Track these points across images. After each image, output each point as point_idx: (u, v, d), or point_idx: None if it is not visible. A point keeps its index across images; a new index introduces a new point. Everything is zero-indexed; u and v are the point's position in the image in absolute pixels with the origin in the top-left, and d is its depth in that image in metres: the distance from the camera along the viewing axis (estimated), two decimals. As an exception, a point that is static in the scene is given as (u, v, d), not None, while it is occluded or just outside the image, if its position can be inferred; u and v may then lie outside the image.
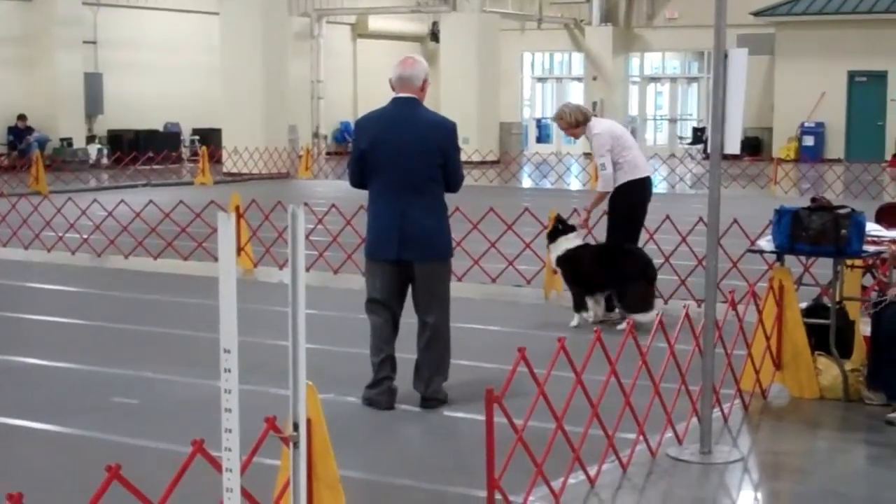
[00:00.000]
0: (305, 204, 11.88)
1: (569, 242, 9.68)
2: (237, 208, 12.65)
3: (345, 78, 39.52)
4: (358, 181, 7.02)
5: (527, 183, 28.75)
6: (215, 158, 29.09)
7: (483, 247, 12.39)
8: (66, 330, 9.73)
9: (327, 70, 38.38)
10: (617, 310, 9.59)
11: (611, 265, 9.43)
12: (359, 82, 39.66)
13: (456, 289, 11.37)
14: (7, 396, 7.32)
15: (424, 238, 6.84)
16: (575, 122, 9.87)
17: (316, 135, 37.90)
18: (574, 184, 27.71)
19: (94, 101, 32.39)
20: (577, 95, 41.94)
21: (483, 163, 30.71)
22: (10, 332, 9.58)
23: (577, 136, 10.07)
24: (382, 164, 6.83)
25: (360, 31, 39.80)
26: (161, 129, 34.26)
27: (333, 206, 13.97)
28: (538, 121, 42.81)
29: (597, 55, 39.89)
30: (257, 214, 13.84)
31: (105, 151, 31.92)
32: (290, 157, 29.95)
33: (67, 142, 31.18)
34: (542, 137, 42.47)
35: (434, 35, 39.14)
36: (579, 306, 9.56)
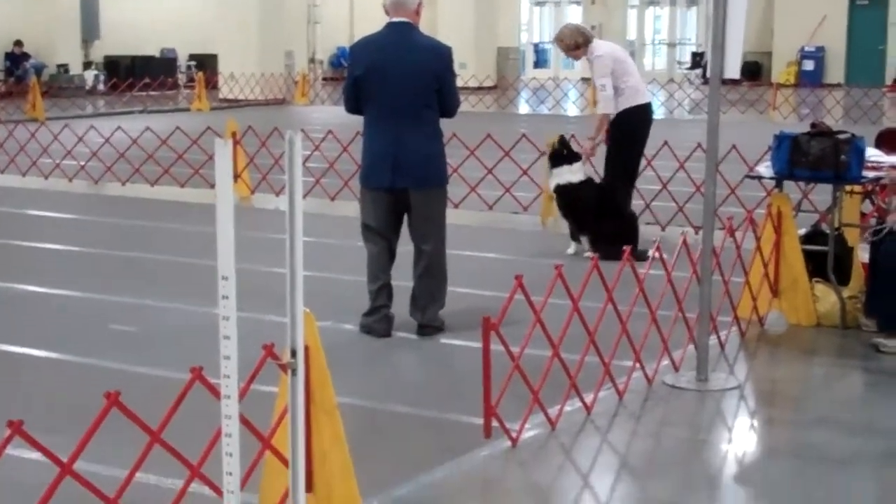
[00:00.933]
0: (302, 130, 11.85)
1: (572, 175, 9.47)
2: (233, 135, 12.58)
3: (341, 1, 39.16)
4: (353, 107, 6.95)
5: (524, 109, 28.60)
6: (211, 84, 28.93)
7: (480, 173, 12.34)
8: (63, 257, 9.70)
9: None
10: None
11: (599, 216, 9.27)
12: (356, 6, 39.30)
13: (453, 216, 11.37)
14: (4, 323, 7.32)
15: (419, 165, 6.79)
16: (574, 43, 9.70)
17: (312, 60, 37.65)
18: (571, 109, 27.57)
19: (90, 27, 32.15)
20: (575, 19, 41.63)
21: (480, 88, 30.56)
22: (7, 260, 9.56)
23: (577, 58, 9.89)
24: (377, 91, 6.77)
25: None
26: (157, 54, 34.06)
27: (330, 132, 13.89)
28: (536, 45, 42.54)
29: (595, -21, 39.54)
30: (254, 141, 13.77)
31: (102, 77, 31.78)
32: (286, 82, 29.80)
33: (64, 68, 31.01)
34: (540, 62, 42.24)
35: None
36: (575, 235, 9.53)
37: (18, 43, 30.54)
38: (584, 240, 9.36)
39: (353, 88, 6.88)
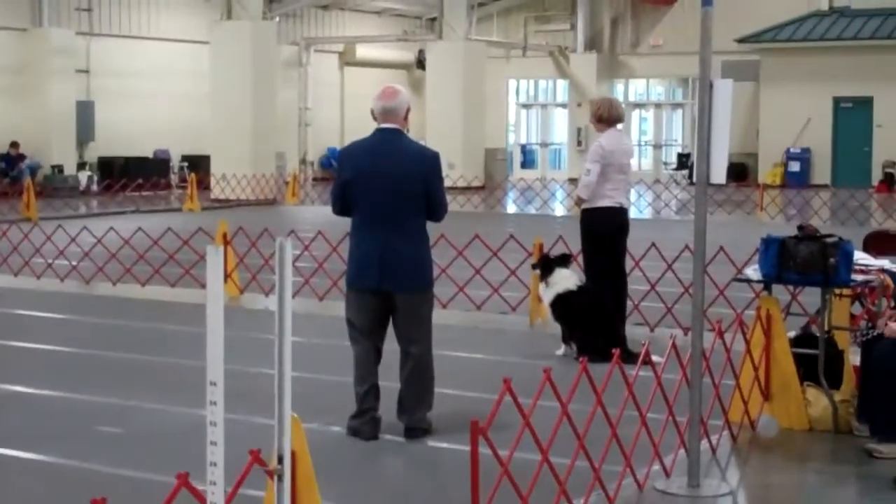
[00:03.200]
0: (292, 232, 11.85)
1: (566, 282, 9.41)
2: (224, 235, 12.56)
3: (332, 105, 39.57)
4: (341, 209, 7.02)
5: (512, 209, 28.73)
6: (204, 185, 29.04)
7: (468, 273, 12.32)
8: (52, 357, 9.61)
9: (315, 97, 38.43)
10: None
11: (590, 325, 9.20)
12: (346, 109, 39.70)
13: (441, 316, 11.30)
14: (-9, 426, 7.21)
15: (405, 268, 6.80)
16: (598, 116, 9.66)
17: (303, 161, 37.90)
18: (559, 209, 27.69)
19: (85, 129, 32.36)
20: (561, 122, 42.07)
21: (468, 188, 30.72)
22: (-4, 360, 9.47)
23: (598, 130, 9.75)
24: (365, 194, 6.84)
25: (348, 59, 39.85)
26: (151, 155, 34.22)
27: (320, 232, 13.88)
28: (523, 146, 42.88)
29: (581, 82, 39.99)
30: (244, 241, 13.75)
31: (95, 178, 31.90)
32: (277, 183, 29.93)
33: (58, 169, 31.14)
34: (528, 163, 42.53)
35: (420, 63, 39.18)
36: (567, 338, 9.42)
37: (15, 144, 30.71)
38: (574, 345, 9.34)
39: (341, 192, 6.95)
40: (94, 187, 31.38)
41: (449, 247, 12.33)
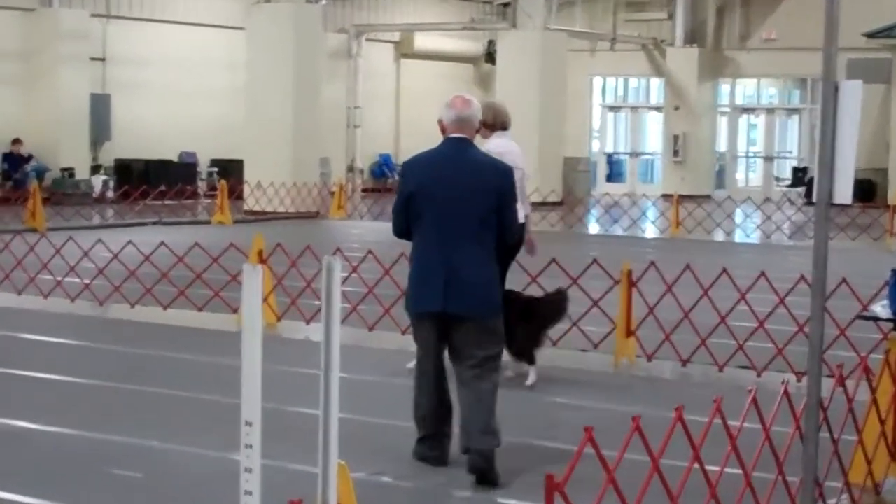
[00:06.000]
0: (338, 250, 11.95)
1: None
2: (259, 253, 12.69)
3: (386, 104, 39.78)
4: (403, 229, 7.42)
5: (594, 229, 28.69)
6: (236, 194, 29.25)
7: (544, 303, 12.32)
8: (61, 389, 9.76)
9: (366, 94, 38.63)
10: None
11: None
12: (402, 109, 39.91)
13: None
14: (-9, 466, 7.35)
15: (473, 291, 7.17)
16: (483, 121, 9.85)
17: (351, 169, 38.09)
18: (650, 230, 27.61)
19: (100, 126, 32.66)
20: (655, 128, 41.94)
21: (544, 204, 30.70)
22: (-4, 391, 9.65)
23: (483, 137, 10.27)
24: (430, 210, 7.21)
25: (405, 50, 40.08)
26: (175, 159, 34.51)
27: (370, 252, 13.98)
28: (609, 156, 42.82)
29: (679, 81, 39.89)
30: (283, 260, 13.87)
31: (111, 184, 32.16)
32: (320, 193, 30.09)
33: (69, 172, 31.45)
34: (614, 175, 42.47)
35: (490, 56, 39.33)
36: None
37: (17, 141, 31.02)
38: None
39: (404, 208, 7.34)
40: (110, 194, 31.70)
41: (520, 270, 12.35)
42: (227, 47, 34.29)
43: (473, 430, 7.12)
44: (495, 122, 10.47)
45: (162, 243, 14.98)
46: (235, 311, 12.66)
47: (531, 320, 9.88)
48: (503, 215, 7.29)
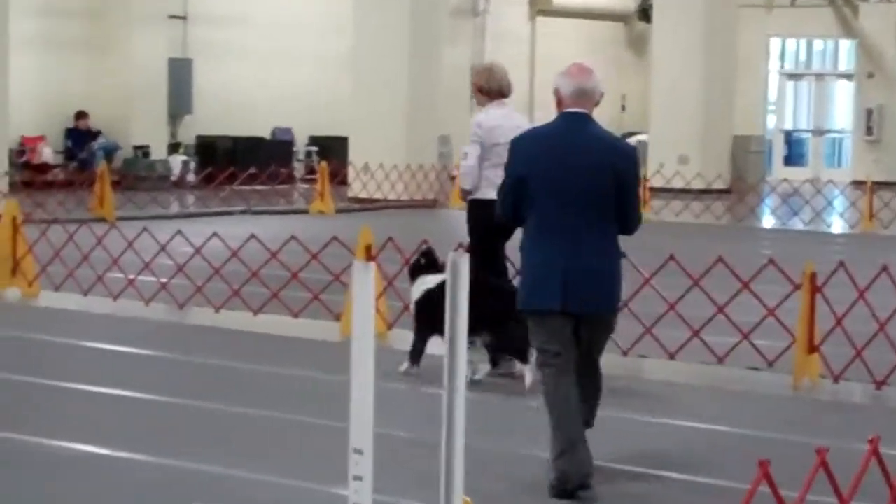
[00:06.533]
0: (461, 245, 11.94)
1: (429, 283, 10.71)
2: (368, 249, 12.74)
3: (519, 70, 39.68)
4: (511, 213, 7.77)
5: (770, 222, 28.39)
6: (339, 178, 29.41)
7: (706, 312, 12.25)
8: (132, 408, 9.92)
9: (496, 59, 38.61)
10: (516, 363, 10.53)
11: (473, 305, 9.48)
12: (537, 76, 39.84)
13: (667, 369, 11.29)
14: (54, 496, 7.48)
15: (595, 285, 7.56)
16: (477, 87, 11.28)
17: (477, 148, 38.14)
18: (837, 224, 27.26)
19: (180, 97, 32.96)
20: (844, 100, 41.36)
21: (707, 191, 30.47)
22: (59, 410, 9.82)
23: (479, 104, 11.40)
24: (547, 194, 7.54)
25: (542, 6, 40.05)
26: (267, 136, 34.77)
27: (500, 248, 13.98)
28: (788, 134, 42.35)
29: (875, 43, 39.30)
30: (394, 256, 13.92)
31: (192, 165, 32.49)
32: (439, 178, 30.13)
33: (143, 151, 31.81)
34: (794, 158, 42.01)
35: (644, 13, 39.16)
36: (417, 354, 10.68)
37: (82, 115, 31.41)
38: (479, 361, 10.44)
39: (514, 191, 7.67)
40: (191, 177, 32.03)
41: (680, 273, 12.29)
42: (330, 5, 34.48)
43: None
44: (491, 88, 11.18)
45: (252, 236, 15.10)
46: (338, 317, 12.76)
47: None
48: (625, 201, 7.58)
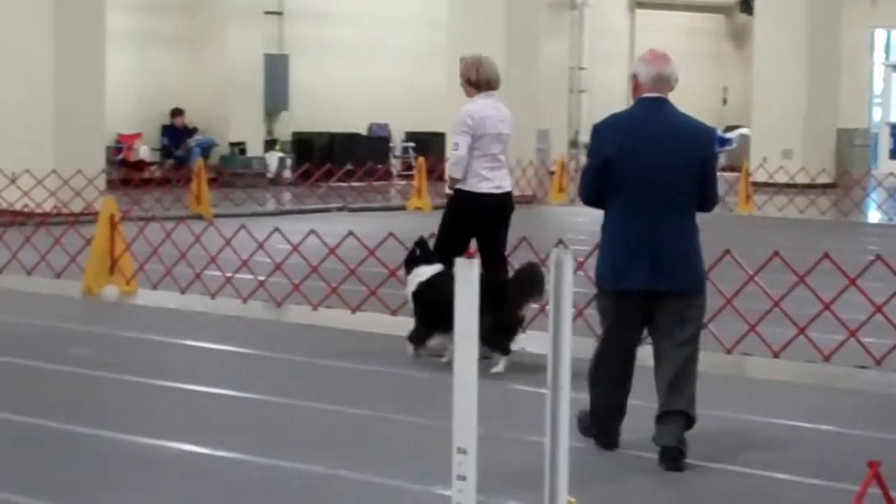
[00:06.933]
0: (560, 242, 11.94)
1: (424, 275, 11.31)
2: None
3: (617, 64, 39.62)
4: (595, 198, 8.21)
5: (876, 217, 28.10)
6: (436, 174, 29.47)
7: (811, 309, 12.15)
8: (232, 407, 10.00)
9: (593, 53, 38.60)
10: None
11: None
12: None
13: (772, 367, 11.23)
14: (152, 494, 7.56)
15: (681, 264, 7.98)
16: (466, 78, 11.87)
17: (574, 143, 38.07)
18: (947, 220, 26.94)
19: (276, 93, 33.14)
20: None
21: (812, 186, 30.23)
22: (157, 408, 9.94)
23: (468, 96, 11.86)
24: (630, 176, 7.98)
25: (641, -1, 39.91)
26: (364, 132, 34.88)
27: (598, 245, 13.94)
28: (894, 127, 41.89)
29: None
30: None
31: (289, 162, 32.66)
32: (537, 173, 30.10)
33: (239, 147, 32.05)
34: (902, 151, 41.56)
35: (746, 4, 38.90)
36: (420, 341, 11.23)
37: (179, 112, 31.69)
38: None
39: (598, 175, 8.12)
40: (288, 174, 32.22)
41: (784, 269, 12.20)
42: (426, 0, 34.52)
43: (674, 394, 7.94)
44: (479, 80, 11.77)
45: (350, 233, 15.16)
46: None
47: (502, 305, 10.69)
48: (705, 183, 8.10)
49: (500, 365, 10.73)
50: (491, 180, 11.72)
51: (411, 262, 11.68)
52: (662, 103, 8.13)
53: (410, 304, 11.54)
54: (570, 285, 3.64)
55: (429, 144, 33.00)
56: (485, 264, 11.19)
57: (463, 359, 3.35)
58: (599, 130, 8.30)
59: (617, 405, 8.21)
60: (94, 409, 9.80)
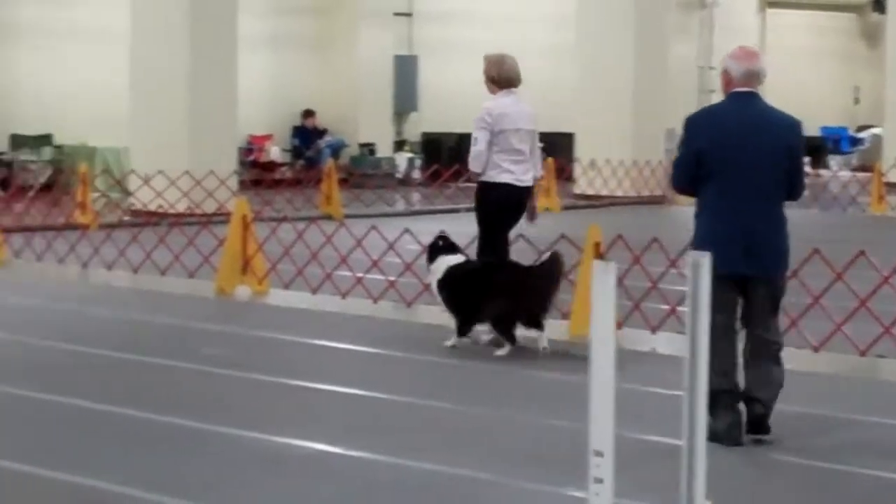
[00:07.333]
0: (690, 244, 11.86)
1: (450, 261, 11.93)
2: (597, 246, 12.70)
3: (748, 62, 39.31)
4: (686, 185, 8.68)
5: None
6: (565, 175, 29.40)
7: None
8: (364, 406, 10.03)
9: (723, 52, 38.07)
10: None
11: (484, 284, 11.65)
12: (768, 69, 39.32)
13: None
14: (284, 493, 7.60)
15: (773, 249, 8.44)
16: (489, 76, 12.59)
17: (705, 143, 37.81)
18: None
19: (405, 94, 33.27)
20: None
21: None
22: (291, 408, 10.00)
23: (491, 93, 12.57)
24: (723, 167, 8.42)
25: (772, -2, 39.53)
26: (496, 131, 34.92)
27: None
28: None
29: None
30: (624, 254, 13.85)
31: (418, 162, 32.77)
32: (667, 173, 29.91)
33: (369, 148, 32.24)
34: None
35: (878, 3, 38.34)
36: (462, 331, 11.78)
37: (309, 113, 31.94)
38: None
39: (690, 164, 8.56)
40: (417, 174, 32.31)
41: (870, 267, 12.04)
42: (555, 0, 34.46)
43: (760, 380, 8.38)
44: (501, 78, 12.48)
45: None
46: (565, 315, 12.75)
47: (521, 293, 11.44)
48: (794, 172, 8.54)
49: (506, 348, 11.47)
50: (513, 172, 12.38)
51: (434, 251, 12.21)
52: (753, 97, 8.59)
53: (435, 294, 12.07)
54: (707, 289, 3.60)
55: (557, 144, 32.94)
56: (490, 251, 12.30)
57: (599, 361, 3.33)
58: (692, 122, 8.72)
59: (727, 388, 8.33)
60: (227, 407, 9.88)
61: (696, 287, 3.56)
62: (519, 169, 12.45)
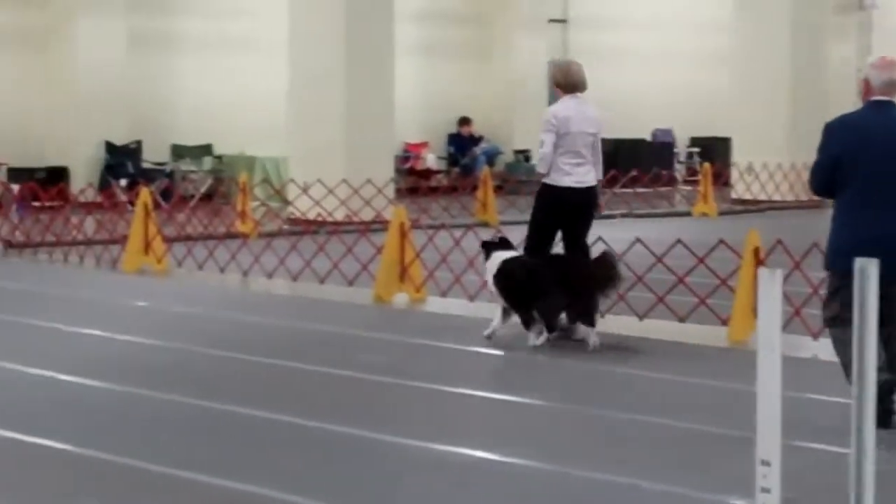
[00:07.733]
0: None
1: (504, 256, 12.39)
2: (756, 252, 12.58)
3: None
4: (826, 188, 8.93)
5: None
6: (722, 179, 29.19)
7: None
8: (521, 413, 10.04)
9: (883, 55, 37.68)
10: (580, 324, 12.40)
11: (535, 278, 12.12)
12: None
13: None
14: (447, 500, 7.61)
15: None
16: (555, 81, 13.22)
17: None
18: None
19: (559, 101, 33.38)
20: None
21: None
22: (450, 415, 10.10)
23: (558, 97, 13.10)
24: (860, 172, 8.62)
25: (935, -3, 38.84)
26: (648, 138, 34.74)
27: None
28: None
29: None
30: (783, 259, 13.70)
31: (570, 168, 32.83)
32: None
33: (524, 155, 32.30)
34: None
35: None
36: (527, 324, 12.16)
37: (465, 121, 32.05)
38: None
39: (827, 169, 8.82)
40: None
41: None
42: (710, 2, 34.26)
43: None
44: (566, 84, 12.98)
45: (637, 240, 15.08)
46: (724, 322, 12.64)
47: (570, 286, 12.03)
48: None
49: (541, 337, 12.08)
50: (573, 175, 12.83)
51: (490, 247, 12.77)
52: (891, 106, 8.80)
53: (491, 290, 12.51)
54: (875, 294, 3.53)
55: (713, 149, 32.74)
56: (536, 253, 12.73)
57: (765, 369, 3.27)
58: (831, 128, 8.97)
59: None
60: (384, 414, 9.94)
61: (864, 294, 3.49)
62: (580, 171, 12.91)
